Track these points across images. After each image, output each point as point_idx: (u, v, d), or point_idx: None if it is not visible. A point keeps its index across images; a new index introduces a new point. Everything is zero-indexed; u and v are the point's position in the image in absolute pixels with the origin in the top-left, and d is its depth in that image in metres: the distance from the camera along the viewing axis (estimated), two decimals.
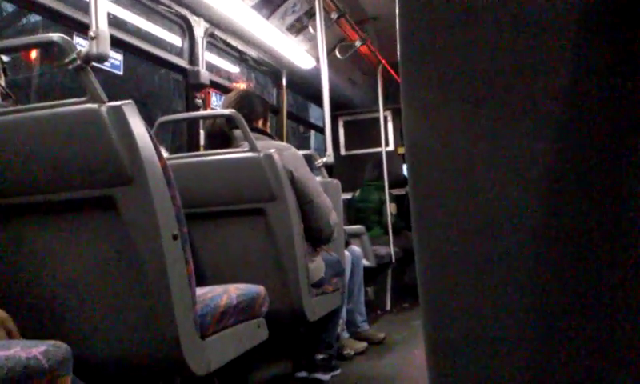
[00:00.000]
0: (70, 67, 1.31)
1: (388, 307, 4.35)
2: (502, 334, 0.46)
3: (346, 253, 2.98)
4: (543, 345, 0.45)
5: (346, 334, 3.03)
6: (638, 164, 0.42)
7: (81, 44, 2.31)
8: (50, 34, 1.32)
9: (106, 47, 1.33)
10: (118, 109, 1.32)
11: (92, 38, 1.32)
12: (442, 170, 0.46)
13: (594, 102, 0.42)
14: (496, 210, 0.45)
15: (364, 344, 3.06)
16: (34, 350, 0.93)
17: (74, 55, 1.30)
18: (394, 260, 4.30)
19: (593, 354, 0.44)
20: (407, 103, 0.47)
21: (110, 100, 1.34)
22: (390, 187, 4.63)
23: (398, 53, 0.47)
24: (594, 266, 0.44)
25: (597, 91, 0.42)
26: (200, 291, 1.57)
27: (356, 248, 3.31)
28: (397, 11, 0.45)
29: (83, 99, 1.33)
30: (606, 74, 0.42)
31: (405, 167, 5.71)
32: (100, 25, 1.33)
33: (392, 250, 4.29)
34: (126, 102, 1.34)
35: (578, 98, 0.43)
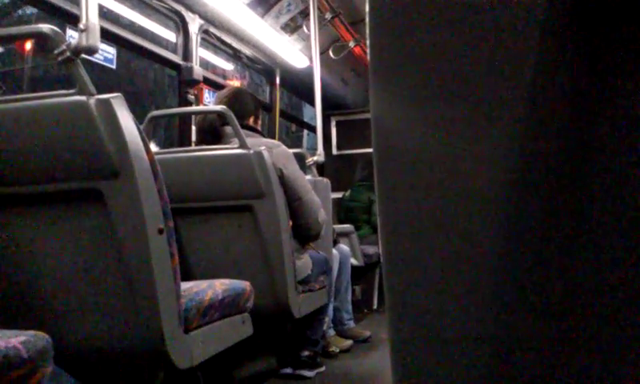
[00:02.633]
0: (60, 59, 1.31)
1: (375, 306, 4.36)
2: (465, 334, 0.46)
3: (334, 251, 2.99)
4: (504, 345, 0.45)
5: (331, 332, 3.04)
6: (601, 165, 0.43)
7: (73, 36, 2.31)
8: (40, 25, 1.33)
9: (95, 40, 1.33)
10: (107, 102, 1.32)
11: (82, 31, 1.32)
12: (410, 166, 0.47)
13: (558, 103, 0.44)
14: (463, 208, 0.46)
15: (349, 342, 3.08)
16: (13, 340, 0.93)
17: (64, 47, 1.31)
18: (381, 259, 4.30)
19: (555, 355, 0.45)
20: (376, 101, 0.48)
21: (104, 93, 1.34)
22: None
23: (368, 47, 0.48)
24: (559, 268, 0.45)
25: (560, 92, 0.44)
26: (185, 285, 1.57)
27: (344, 247, 3.32)
28: (367, 7, 0.46)
29: (72, 91, 1.33)
30: (568, 75, 0.43)
31: None
32: (90, 17, 1.33)
33: (380, 249, 4.29)
34: (115, 95, 1.35)
35: (541, 97, 0.44)
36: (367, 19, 0.47)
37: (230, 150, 2.18)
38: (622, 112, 0.42)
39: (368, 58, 0.47)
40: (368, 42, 0.47)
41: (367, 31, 0.47)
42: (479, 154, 0.45)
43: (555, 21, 0.43)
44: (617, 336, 0.43)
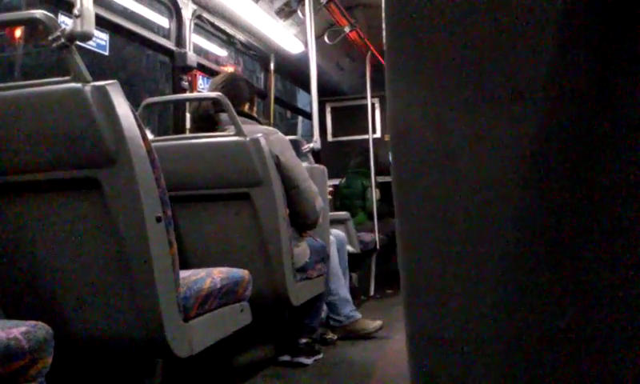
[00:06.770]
0: (54, 46, 1.29)
1: (372, 292, 4.38)
2: (487, 333, 0.45)
3: (331, 237, 2.98)
4: (526, 342, 0.44)
5: (357, 315, 3.00)
6: (616, 165, 0.42)
7: (66, 23, 2.28)
8: (34, 11, 1.30)
9: (90, 26, 1.31)
10: (102, 88, 1.30)
11: (76, 16, 1.30)
12: (427, 159, 0.46)
13: (578, 94, 0.42)
14: (480, 200, 0.45)
15: (379, 322, 3.02)
16: (14, 331, 0.92)
17: (58, 33, 1.28)
18: (378, 247, 4.32)
19: (579, 353, 0.44)
20: (392, 89, 0.46)
21: (96, 80, 1.32)
22: (378, 174, 4.65)
23: (384, 37, 0.46)
24: (579, 262, 0.43)
25: (580, 84, 0.43)
26: (184, 274, 1.56)
27: (340, 232, 3.32)
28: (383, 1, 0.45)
29: (67, 78, 1.31)
30: (587, 65, 0.42)
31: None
32: (85, 3, 1.30)
33: (377, 236, 4.31)
34: (111, 82, 1.33)
35: (559, 88, 0.43)
36: (383, 7, 0.45)
37: (226, 137, 2.16)
38: (638, 111, 0.41)
39: (384, 46, 0.46)
40: (384, 32, 0.46)
41: (383, 20, 0.46)
42: (494, 146, 0.44)
43: (572, 16, 0.42)
44: (633, 334, 0.42)
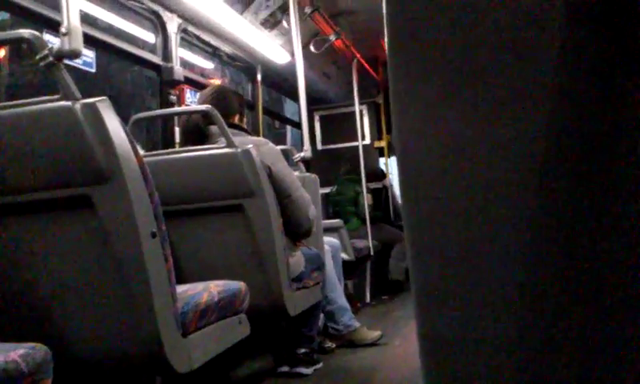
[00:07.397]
0: (42, 64, 1.28)
1: (368, 300, 4.37)
2: (499, 334, 0.45)
3: (326, 247, 2.97)
4: (540, 344, 0.44)
5: (357, 323, 2.99)
6: (617, 158, 0.43)
7: (51, 41, 2.27)
8: (21, 31, 1.29)
9: (78, 43, 1.30)
10: (93, 106, 1.30)
11: (64, 34, 1.29)
12: (435, 166, 0.46)
13: (582, 95, 0.43)
14: (491, 205, 0.45)
15: (378, 333, 3.01)
16: (12, 354, 0.91)
17: (46, 52, 1.28)
18: (372, 253, 4.32)
19: (591, 353, 0.44)
20: (395, 93, 0.46)
21: (83, 98, 1.31)
22: (367, 181, 4.66)
23: (386, 47, 0.46)
24: (591, 264, 0.43)
25: (584, 84, 0.43)
26: (180, 289, 1.55)
27: (334, 240, 3.31)
28: (384, 4, 0.45)
29: (56, 97, 1.30)
30: (591, 66, 0.42)
31: (381, 161, 5.76)
32: (72, 20, 1.30)
33: (370, 243, 4.31)
34: (101, 98, 1.32)
35: (562, 88, 0.43)
36: (384, 12, 0.45)
37: (217, 149, 2.15)
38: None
39: (386, 52, 0.46)
40: (386, 37, 0.46)
41: (385, 24, 0.46)
42: (499, 148, 0.44)
43: (575, 18, 0.42)
44: (633, 334, 0.42)
